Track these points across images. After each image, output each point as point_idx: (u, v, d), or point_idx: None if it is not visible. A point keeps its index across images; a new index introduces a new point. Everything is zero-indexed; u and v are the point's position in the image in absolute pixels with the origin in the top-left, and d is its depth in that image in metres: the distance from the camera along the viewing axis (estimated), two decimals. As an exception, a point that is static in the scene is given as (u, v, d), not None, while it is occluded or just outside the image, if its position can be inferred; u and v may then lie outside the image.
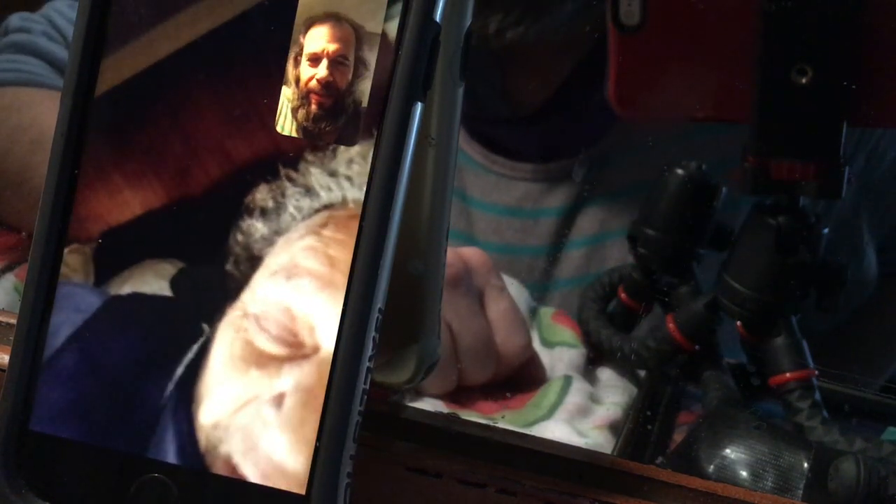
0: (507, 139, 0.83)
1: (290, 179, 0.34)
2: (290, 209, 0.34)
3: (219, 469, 0.33)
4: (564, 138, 0.83)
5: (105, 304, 0.34)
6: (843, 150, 0.56)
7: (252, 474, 0.33)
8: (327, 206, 0.33)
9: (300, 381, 0.33)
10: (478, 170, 0.82)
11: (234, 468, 0.33)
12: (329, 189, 0.33)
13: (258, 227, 0.34)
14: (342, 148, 0.33)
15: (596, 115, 0.77)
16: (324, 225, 0.33)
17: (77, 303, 0.34)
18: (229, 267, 0.34)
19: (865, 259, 0.81)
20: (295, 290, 0.33)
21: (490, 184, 0.82)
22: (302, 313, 0.33)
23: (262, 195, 0.34)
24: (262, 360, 0.34)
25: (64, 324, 0.34)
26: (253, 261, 0.34)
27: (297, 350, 0.33)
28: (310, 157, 0.34)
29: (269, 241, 0.34)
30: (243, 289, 0.34)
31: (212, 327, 0.34)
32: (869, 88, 0.56)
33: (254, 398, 0.33)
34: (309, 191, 0.34)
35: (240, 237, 0.34)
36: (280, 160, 0.34)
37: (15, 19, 0.84)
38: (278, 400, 0.33)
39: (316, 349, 0.33)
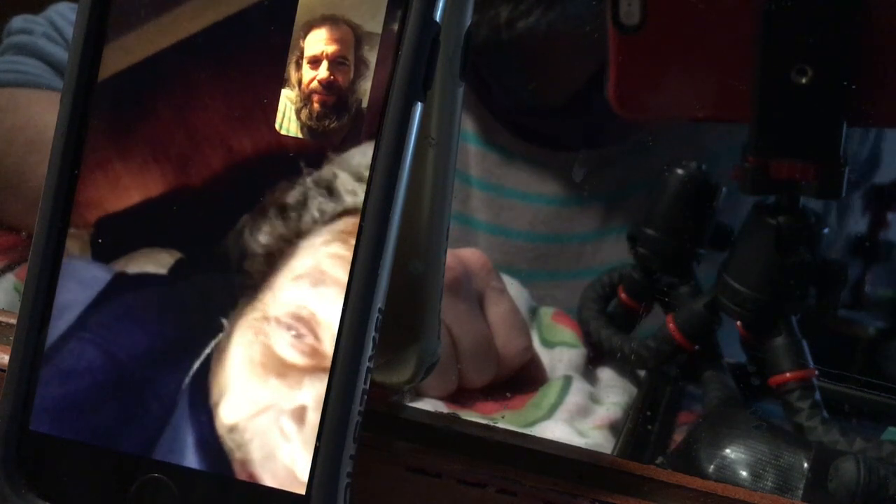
0: (546, 129, 0.83)
1: (313, 180, 0.33)
2: (313, 211, 0.33)
3: (220, 467, 0.33)
4: (606, 123, 0.82)
5: (109, 287, 0.34)
6: (843, 150, 0.56)
7: (253, 475, 0.33)
8: (349, 211, 0.33)
9: (322, 393, 0.33)
10: (520, 163, 0.82)
11: (236, 469, 0.33)
12: (354, 194, 0.33)
13: (277, 225, 0.34)
14: (365, 151, 0.33)
15: None
16: (351, 233, 0.33)
17: (82, 276, 0.34)
18: (246, 263, 0.34)
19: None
20: (320, 298, 0.33)
21: (534, 175, 0.82)
22: (326, 322, 0.33)
23: (280, 194, 0.34)
24: (281, 369, 0.33)
25: (67, 306, 0.34)
26: (272, 259, 0.34)
27: (319, 360, 0.33)
28: (334, 158, 0.33)
29: (290, 242, 0.34)
30: (262, 288, 0.33)
31: (230, 325, 0.33)
32: (869, 88, 0.56)
33: (272, 406, 0.33)
34: (332, 193, 0.33)
35: (258, 235, 0.34)
36: (303, 159, 0.34)
37: (17, 21, 0.84)
38: (300, 413, 0.33)
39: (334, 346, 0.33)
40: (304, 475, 0.33)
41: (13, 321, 0.36)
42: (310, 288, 0.33)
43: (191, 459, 0.33)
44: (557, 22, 0.75)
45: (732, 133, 0.61)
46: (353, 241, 0.33)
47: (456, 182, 0.39)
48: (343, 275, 0.33)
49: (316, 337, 0.33)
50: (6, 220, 0.73)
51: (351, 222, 0.33)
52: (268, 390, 0.33)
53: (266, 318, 0.33)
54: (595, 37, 0.77)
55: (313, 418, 0.33)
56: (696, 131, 0.76)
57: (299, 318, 0.33)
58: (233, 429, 0.33)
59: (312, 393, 0.33)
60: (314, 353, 0.33)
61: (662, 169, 0.64)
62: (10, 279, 0.65)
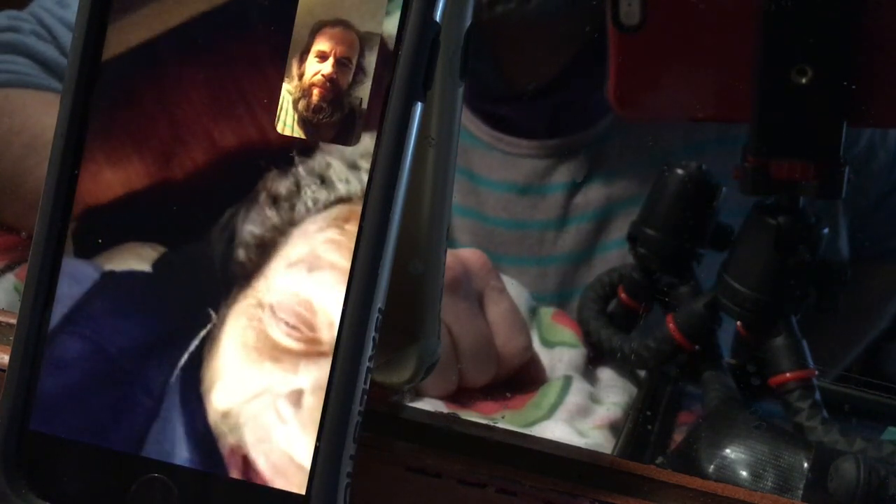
0: (511, 117, 0.83)
1: (305, 169, 0.33)
2: (306, 200, 0.33)
3: (220, 468, 0.33)
4: (569, 114, 0.83)
5: (100, 283, 0.34)
6: (842, 150, 0.56)
7: (252, 474, 0.33)
8: (343, 199, 0.33)
9: (319, 378, 0.33)
10: (484, 148, 0.83)
11: (236, 465, 0.33)
12: (347, 182, 0.33)
13: (270, 215, 0.34)
14: (363, 148, 0.33)
15: (600, 92, 0.78)
16: (346, 219, 0.33)
17: (74, 274, 0.34)
18: (237, 254, 0.34)
19: (839, 243, 0.81)
20: (317, 283, 0.33)
21: (496, 161, 0.83)
22: (323, 307, 0.33)
23: (272, 184, 0.34)
24: (276, 353, 0.33)
25: (62, 300, 0.34)
26: (264, 248, 0.34)
27: (314, 346, 0.33)
28: (326, 147, 0.33)
29: (282, 231, 0.34)
30: (255, 277, 0.34)
31: (219, 315, 0.34)
32: (869, 88, 0.56)
33: (266, 391, 0.33)
34: (325, 182, 0.33)
35: (249, 224, 0.34)
36: (295, 149, 0.34)
37: (2, 18, 0.83)
38: (296, 396, 0.33)
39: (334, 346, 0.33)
40: (304, 475, 0.33)
41: (13, 321, 0.36)
42: (306, 273, 0.33)
43: (188, 455, 0.33)
44: (535, 10, 0.76)
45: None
46: (347, 227, 0.33)
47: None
48: (339, 258, 0.33)
49: (314, 322, 0.33)
50: (5, 222, 0.73)
51: (345, 209, 0.33)
52: (263, 375, 0.33)
53: (260, 305, 0.33)
54: (570, 28, 0.78)
55: (310, 402, 0.33)
56: (652, 127, 0.77)
57: (297, 303, 0.33)
58: (226, 415, 0.33)
59: (309, 377, 0.33)
60: (311, 337, 0.33)
61: (662, 168, 0.64)
62: (10, 279, 0.65)
